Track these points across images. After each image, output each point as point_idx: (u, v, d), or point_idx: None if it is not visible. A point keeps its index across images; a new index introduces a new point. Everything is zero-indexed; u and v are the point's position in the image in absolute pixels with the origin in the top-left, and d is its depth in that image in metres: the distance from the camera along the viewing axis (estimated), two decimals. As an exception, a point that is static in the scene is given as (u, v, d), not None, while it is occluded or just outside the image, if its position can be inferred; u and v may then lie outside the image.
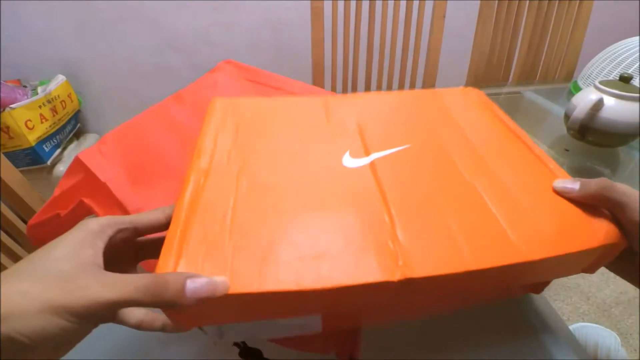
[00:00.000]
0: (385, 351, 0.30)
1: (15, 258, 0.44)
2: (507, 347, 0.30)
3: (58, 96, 1.19)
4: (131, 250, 0.25)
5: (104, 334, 0.33)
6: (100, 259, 0.20)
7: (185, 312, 0.21)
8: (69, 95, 1.26)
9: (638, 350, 0.33)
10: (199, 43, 1.36)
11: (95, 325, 0.20)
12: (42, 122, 1.09)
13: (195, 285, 0.19)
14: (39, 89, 1.16)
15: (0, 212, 0.43)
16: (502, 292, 0.32)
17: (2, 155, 0.68)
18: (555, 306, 0.35)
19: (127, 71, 1.39)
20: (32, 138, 1.04)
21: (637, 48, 0.70)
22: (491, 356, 0.30)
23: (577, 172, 0.64)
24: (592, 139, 0.60)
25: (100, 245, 0.21)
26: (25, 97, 1.08)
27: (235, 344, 0.32)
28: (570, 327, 0.34)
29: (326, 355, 0.30)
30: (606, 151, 0.62)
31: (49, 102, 1.14)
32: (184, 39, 1.34)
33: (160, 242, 0.22)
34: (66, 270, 0.19)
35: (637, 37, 0.73)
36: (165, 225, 0.24)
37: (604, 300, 0.37)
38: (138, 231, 0.24)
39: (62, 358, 0.20)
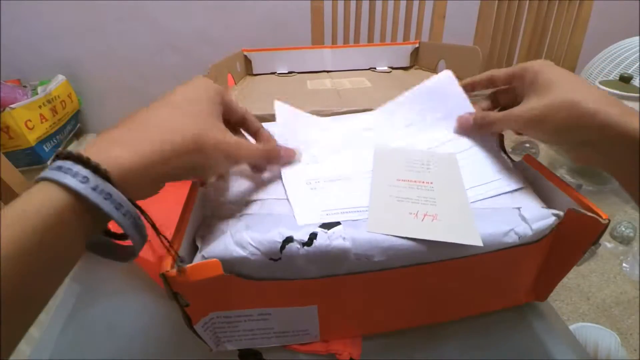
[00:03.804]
0: (385, 351, 0.30)
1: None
2: (507, 347, 0.30)
3: (58, 96, 1.19)
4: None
5: (106, 337, 0.33)
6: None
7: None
8: (69, 95, 1.26)
9: (638, 350, 0.33)
10: (199, 43, 1.36)
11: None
12: (42, 122, 1.09)
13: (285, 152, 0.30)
14: (39, 89, 1.16)
15: (0, 212, 0.43)
16: (505, 300, 0.33)
17: (2, 155, 0.68)
18: (555, 306, 0.35)
19: (127, 71, 1.39)
20: (32, 138, 1.04)
21: (637, 48, 0.70)
22: (491, 356, 0.30)
23: (577, 172, 0.64)
24: (592, 139, 0.60)
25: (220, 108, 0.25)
26: (25, 97, 1.08)
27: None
28: (570, 327, 0.34)
29: (326, 355, 0.30)
30: (606, 151, 0.62)
31: (49, 102, 1.14)
32: (184, 39, 1.34)
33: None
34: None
35: (637, 37, 0.73)
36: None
37: (604, 300, 0.38)
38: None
39: None
